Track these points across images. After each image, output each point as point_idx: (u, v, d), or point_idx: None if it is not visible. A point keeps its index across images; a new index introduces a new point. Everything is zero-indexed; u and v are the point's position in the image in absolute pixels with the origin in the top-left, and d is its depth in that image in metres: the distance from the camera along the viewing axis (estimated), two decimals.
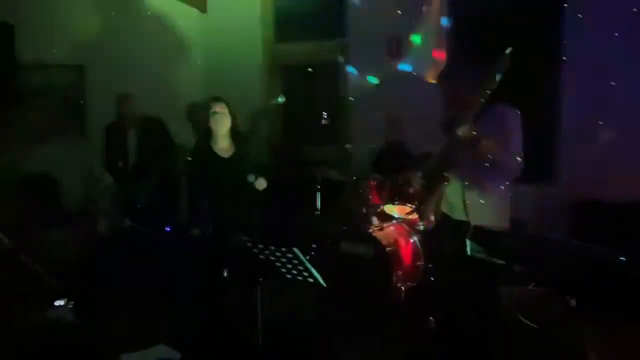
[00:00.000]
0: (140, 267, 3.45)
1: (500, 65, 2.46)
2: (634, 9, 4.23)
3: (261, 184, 3.16)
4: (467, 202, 2.74)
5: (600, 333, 1.92)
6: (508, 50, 2.46)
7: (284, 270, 2.17)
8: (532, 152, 5.06)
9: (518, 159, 2.64)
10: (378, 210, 4.18)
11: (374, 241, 3.86)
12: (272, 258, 2.13)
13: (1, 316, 3.03)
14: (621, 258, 1.93)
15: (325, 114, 5.44)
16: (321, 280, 2.12)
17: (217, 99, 3.30)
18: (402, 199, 4.04)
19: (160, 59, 5.86)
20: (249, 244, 2.15)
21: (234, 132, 3.31)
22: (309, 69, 5.92)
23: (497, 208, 2.77)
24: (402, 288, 3.84)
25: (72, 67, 5.45)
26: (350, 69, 5.63)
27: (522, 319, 2.11)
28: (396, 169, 4.34)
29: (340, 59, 5.76)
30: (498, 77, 2.47)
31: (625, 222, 4.07)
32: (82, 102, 5.53)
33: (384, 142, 5.00)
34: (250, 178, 3.11)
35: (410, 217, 4.05)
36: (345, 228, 4.19)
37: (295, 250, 2.03)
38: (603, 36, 4.36)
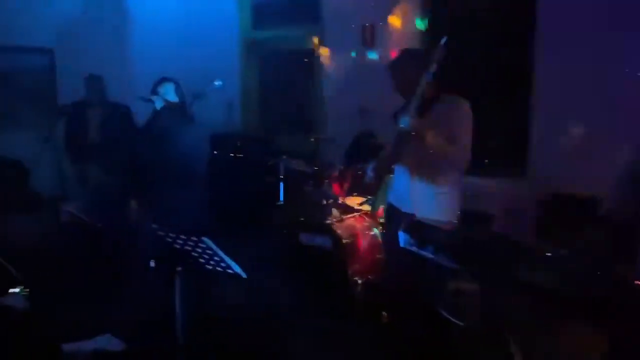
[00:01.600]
0: (84, 258, 3.37)
1: (436, 55, 2.43)
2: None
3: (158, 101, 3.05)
4: (412, 193, 2.68)
5: (530, 330, 1.82)
6: (443, 40, 2.43)
7: (202, 260, 2.08)
8: (502, 145, 5.01)
9: (466, 150, 2.59)
10: (339, 202, 4.09)
11: (332, 233, 3.78)
12: (188, 248, 2.05)
13: None
14: (562, 252, 1.85)
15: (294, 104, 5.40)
16: (240, 271, 2.03)
17: (165, 80, 3.19)
18: (363, 190, 3.95)
19: (129, 42, 5.75)
20: (162, 233, 2.06)
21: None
22: (288, 57, 5.83)
23: (443, 199, 2.72)
24: (359, 282, 3.75)
25: (43, 50, 5.38)
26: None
27: (447, 315, 2.02)
28: (362, 160, 4.26)
29: (315, 46, 5.66)
30: (434, 67, 2.42)
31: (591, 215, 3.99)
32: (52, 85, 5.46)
33: (356, 132, 4.92)
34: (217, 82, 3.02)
35: (363, 208, 3.97)
36: (304, 219, 4.09)
37: (206, 239, 1.94)
38: (574, 35, 4.25)
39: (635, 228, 2.03)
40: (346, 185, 4.04)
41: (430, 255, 2.04)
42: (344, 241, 3.72)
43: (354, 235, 3.85)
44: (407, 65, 2.73)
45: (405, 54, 2.85)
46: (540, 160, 4.68)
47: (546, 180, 4.55)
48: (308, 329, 3.36)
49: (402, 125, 2.54)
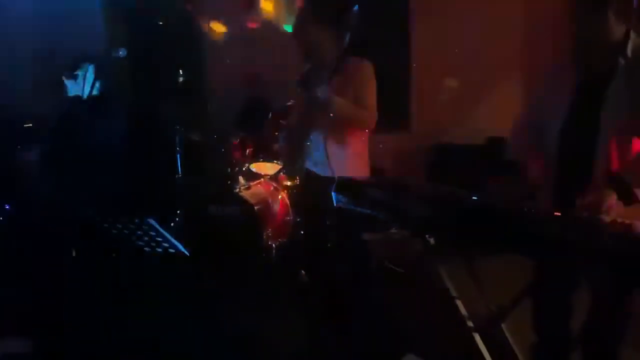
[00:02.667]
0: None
1: (350, 21, 2.48)
2: None
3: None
4: (328, 156, 2.76)
5: (459, 269, 2.02)
6: (355, 8, 2.49)
7: (141, 243, 1.98)
8: (386, 102, 5.31)
9: (373, 110, 2.71)
10: (244, 169, 4.06)
11: (242, 201, 3.76)
12: (126, 232, 1.93)
13: None
14: (474, 197, 2.03)
15: (181, 72, 5.11)
16: (183, 249, 1.97)
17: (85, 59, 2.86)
18: (268, 156, 3.96)
19: None
20: (98, 218, 1.92)
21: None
22: (159, 22, 5.45)
23: (356, 159, 2.84)
24: (273, 245, 3.81)
25: None
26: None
27: (388, 264, 2.17)
28: (259, 125, 4.24)
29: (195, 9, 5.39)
30: (347, 35, 2.48)
31: (473, 163, 4.45)
32: None
33: (245, 97, 4.85)
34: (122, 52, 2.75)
35: (278, 174, 3.99)
36: (210, 190, 4.01)
37: (151, 221, 1.85)
38: None
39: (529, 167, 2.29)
40: (249, 152, 4.01)
41: (367, 211, 2.15)
42: (255, 208, 3.73)
43: (262, 201, 3.86)
44: (308, 27, 2.68)
45: (312, 10, 2.76)
46: (422, 114, 5.08)
47: (428, 133, 4.97)
48: (229, 300, 3.35)
49: (319, 95, 2.57)
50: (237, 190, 3.85)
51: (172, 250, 1.99)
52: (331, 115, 2.61)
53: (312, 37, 2.64)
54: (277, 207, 3.96)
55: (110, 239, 1.99)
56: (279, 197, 4.04)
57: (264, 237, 3.74)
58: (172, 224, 4.05)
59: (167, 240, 1.93)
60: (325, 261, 2.97)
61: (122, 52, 2.61)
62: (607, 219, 1.75)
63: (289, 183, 4.01)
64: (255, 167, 4.03)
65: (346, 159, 2.78)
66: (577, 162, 2.00)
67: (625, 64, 1.89)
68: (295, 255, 3.73)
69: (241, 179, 4.02)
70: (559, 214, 1.79)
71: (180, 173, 4.26)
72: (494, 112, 4.57)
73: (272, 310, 3.22)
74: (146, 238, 1.95)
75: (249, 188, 3.96)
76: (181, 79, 4.46)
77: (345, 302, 2.90)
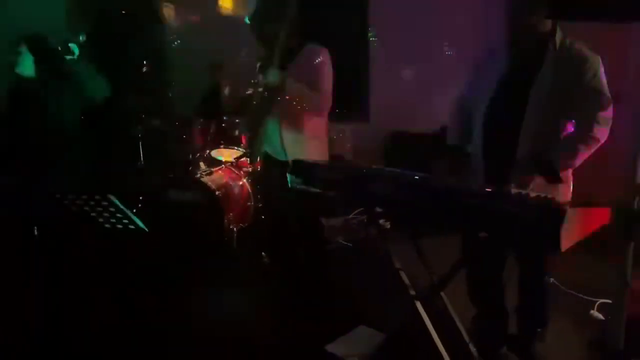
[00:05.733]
0: None
1: (291, 6, 2.60)
2: None
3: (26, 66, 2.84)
4: (284, 141, 2.86)
5: (404, 244, 2.18)
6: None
7: (101, 219, 2.06)
8: (346, 92, 5.45)
9: (326, 95, 2.82)
10: (205, 155, 4.13)
11: (203, 186, 3.84)
12: (86, 208, 2.01)
13: None
14: (415, 177, 2.19)
15: (145, 62, 5.11)
16: (142, 226, 2.07)
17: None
18: (229, 142, 4.04)
19: None
20: (58, 195, 1.99)
21: None
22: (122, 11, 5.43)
23: (313, 144, 2.95)
24: (235, 230, 3.91)
25: None
26: None
27: (339, 240, 2.31)
28: (219, 112, 4.31)
29: None
30: (289, 24, 2.64)
31: (426, 149, 4.65)
32: None
33: (206, 85, 4.91)
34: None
35: (239, 159, 4.08)
36: (171, 176, 4.07)
37: (111, 197, 1.93)
38: None
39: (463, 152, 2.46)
40: (210, 138, 4.09)
41: (318, 190, 2.29)
42: (216, 193, 3.82)
43: (224, 186, 3.96)
44: (266, 17, 2.80)
45: (263, 5, 2.89)
46: (379, 103, 5.25)
47: (386, 122, 5.15)
48: (190, 286, 3.43)
49: (270, 79, 2.69)
50: (198, 175, 3.93)
51: (132, 227, 2.08)
52: (286, 97, 2.72)
53: (265, 30, 2.78)
54: (238, 192, 4.06)
55: (71, 215, 2.06)
56: (240, 182, 4.14)
57: (225, 221, 3.83)
58: (133, 210, 4.09)
59: (127, 217, 2.02)
60: (284, 242, 3.09)
61: (81, 37, 2.65)
62: (532, 194, 1.93)
63: (250, 169, 4.11)
64: (216, 153, 4.11)
65: (302, 143, 2.88)
66: (502, 141, 2.18)
67: (552, 54, 2.10)
68: (256, 239, 3.84)
69: (202, 165, 4.10)
70: (490, 190, 1.98)
71: (141, 159, 4.33)
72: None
73: (233, 293, 3.32)
74: (106, 214, 2.03)
75: (210, 174, 4.04)
76: (144, 68, 4.49)
77: (301, 281, 3.03)
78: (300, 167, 2.39)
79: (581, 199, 1.79)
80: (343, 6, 5.18)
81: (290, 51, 2.82)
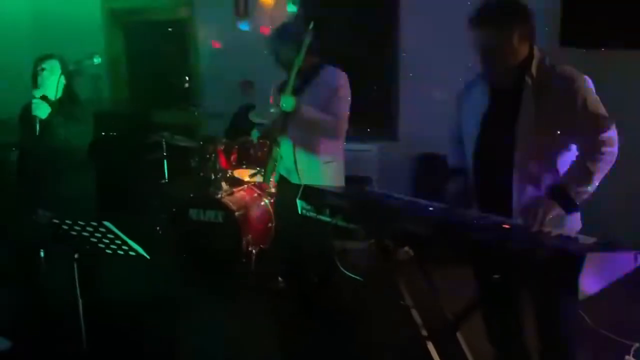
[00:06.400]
0: None
1: (306, 38, 2.62)
2: None
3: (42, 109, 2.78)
4: (298, 164, 2.80)
5: (416, 278, 2.06)
6: (311, 26, 2.57)
7: (101, 245, 2.03)
8: (374, 110, 5.35)
9: (341, 119, 2.75)
10: (227, 175, 4.11)
11: (223, 206, 3.81)
12: (86, 234, 1.98)
13: None
14: (430, 208, 2.08)
15: (187, 77, 5.20)
16: (143, 252, 2.02)
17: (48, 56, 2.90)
18: (250, 163, 4.01)
19: None
20: (56, 221, 1.97)
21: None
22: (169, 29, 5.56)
23: (327, 168, 2.87)
24: (253, 251, 3.85)
25: None
26: None
27: (346, 272, 2.20)
28: (246, 133, 4.29)
29: (186, 16, 5.49)
30: (304, 50, 2.63)
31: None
32: None
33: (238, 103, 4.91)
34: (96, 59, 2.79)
35: (254, 179, 4.04)
36: (193, 195, 4.06)
37: (107, 223, 1.90)
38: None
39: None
40: (233, 158, 4.06)
41: (327, 219, 2.19)
42: (236, 213, 3.78)
43: (244, 207, 3.92)
44: (281, 42, 2.82)
45: (279, 30, 2.91)
46: (408, 124, 5.11)
47: (415, 142, 4.99)
48: (205, 305, 3.39)
49: (283, 105, 2.65)
50: (219, 195, 3.90)
51: (132, 253, 2.04)
52: (299, 120, 2.67)
53: (280, 54, 2.79)
54: (258, 214, 4.01)
55: (72, 240, 2.04)
56: (262, 203, 4.09)
57: (244, 242, 3.78)
58: (157, 228, 4.12)
59: (126, 243, 1.98)
60: (296, 268, 3.01)
61: (96, 60, 2.67)
62: (553, 232, 1.78)
63: (273, 190, 4.06)
64: (237, 173, 4.08)
65: (316, 166, 2.83)
66: (493, 172, 2.05)
67: (532, 81, 1.95)
68: (273, 262, 3.77)
69: (224, 185, 4.07)
70: (508, 225, 1.84)
71: (166, 178, 4.35)
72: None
73: (247, 315, 3.26)
74: (106, 240, 2.00)
75: (231, 194, 4.02)
76: (186, 84, 4.53)
77: (311, 309, 2.94)
78: (310, 193, 2.30)
79: (605, 242, 1.62)
80: (372, 22, 5.11)
81: (307, 73, 2.78)
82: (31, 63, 2.84)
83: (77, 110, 2.78)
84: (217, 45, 5.39)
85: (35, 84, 2.76)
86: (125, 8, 5.67)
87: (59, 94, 2.79)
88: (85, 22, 5.42)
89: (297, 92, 2.73)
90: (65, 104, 2.77)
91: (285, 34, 2.79)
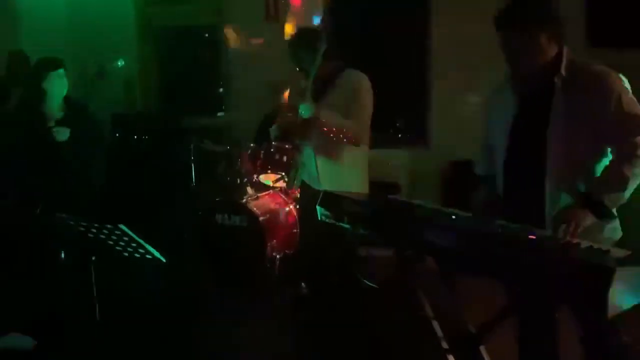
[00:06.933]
0: None
1: (321, 44, 2.62)
2: None
3: (62, 133, 2.83)
4: (319, 170, 2.76)
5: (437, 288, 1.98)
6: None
7: (118, 248, 2.03)
8: (404, 115, 5.25)
9: (362, 125, 2.70)
10: (253, 180, 4.09)
11: (248, 211, 3.79)
12: (102, 236, 1.98)
13: None
14: (452, 216, 2.00)
15: (220, 82, 5.24)
16: (159, 256, 2.01)
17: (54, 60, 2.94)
18: (275, 168, 3.98)
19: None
20: (72, 222, 1.98)
21: (67, 97, 2.96)
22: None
23: (349, 174, 2.81)
24: (277, 256, 3.82)
25: None
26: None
27: (362, 279, 2.14)
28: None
29: (217, 22, 5.54)
30: (319, 56, 2.61)
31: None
32: None
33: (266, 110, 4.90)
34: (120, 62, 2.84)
35: (279, 184, 4.01)
36: (218, 199, 4.07)
37: (122, 226, 1.89)
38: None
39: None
40: (259, 163, 4.04)
41: (347, 226, 2.13)
42: (260, 218, 3.75)
43: (269, 212, 3.89)
44: (297, 48, 2.80)
45: (297, 35, 2.91)
46: (440, 130, 4.99)
47: (446, 149, 4.87)
48: (229, 309, 3.38)
49: (302, 112, 2.61)
50: (245, 200, 3.89)
51: (148, 257, 2.03)
52: (319, 127, 2.63)
53: (298, 60, 2.78)
54: (283, 219, 3.98)
55: (90, 242, 2.05)
56: (287, 208, 4.05)
57: (268, 248, 3.75)
58: (184, 234, 4.15)
59: (142, 246, 1.97)
60: (317, 274, 2.96)
61: (120, 63, 2.70)
62: (583, 244, 1.67)
63: (298, 195, 4.02)
64: (263, 178, 4.06)
65: (338, 172, 2.78)
66: (523, 180, 1.95)
67: (561, 82, 1.85)
68: (298, 268, 3.72)
69: (250, 190, 4.06)
70: (534, 236, 1.73)
71: (193, 182, 4.37)
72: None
73: (270, 320, 3.22)
74: (122, 243, 1.99)
75: (257, 199, 3.99)
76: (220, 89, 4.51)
77: (333, 315, 2.88)
78: (330, 200, 2.25)
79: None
80: (404, 24, 5.02)
81: (328, 76, 2.74)
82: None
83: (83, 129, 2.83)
84: (248, 49, 5.40)
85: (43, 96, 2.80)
86: (158, 13, 5.76)
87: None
88: (117, 26, 5.52)
89: (318, 95, 2.69)
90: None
91: (300, 40, 2.79)
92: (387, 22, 5.03)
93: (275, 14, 5.27)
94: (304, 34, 2.83)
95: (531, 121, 1.94)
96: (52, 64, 2.86)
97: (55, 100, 2.88)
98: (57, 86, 2.85)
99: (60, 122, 2.83)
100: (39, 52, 3.96)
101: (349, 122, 2.64)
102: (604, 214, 1.77)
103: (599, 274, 1.40)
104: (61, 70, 2.87)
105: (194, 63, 5.64)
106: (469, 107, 4.75)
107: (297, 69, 2.81)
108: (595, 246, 1.64)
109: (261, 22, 5.27)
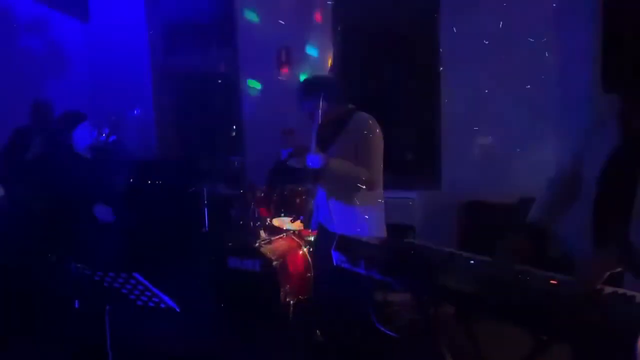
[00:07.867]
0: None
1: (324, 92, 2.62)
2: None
3: None
4: (332, 213, 2.74)
5: (458, 335, 1.92)
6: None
7: (132, 296, 2.01)
8: (416, 156, 5.26)
9: (374, 170, 2.68)
10: (267, 223, 4.09)
11: (261, 255, 3.76)
12: (117, 285, 1.97)
13: None
14: (471, 261, 1.96)
15: (234, 127, 5.32)
16: (173, 305, 1.98)
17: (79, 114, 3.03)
18: (290, 211, 3.98)
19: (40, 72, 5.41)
20: (87, 271, 1.98)
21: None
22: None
23: (367, 218, 2.78)
24: (291, 302, 3.76)
25: None
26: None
27: (381, 327, 2.08)
28: (288, 181, 4.29)
29: (232, 69, 5.68)
30: (322, 104, 2.60)
31: (506, 221, 4.27)
32: None
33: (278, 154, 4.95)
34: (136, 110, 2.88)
35: (295, 226, 4.00)
36: (231, 244, 4.05)
37: (137, 275, 1.88)
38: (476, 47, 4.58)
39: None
40: (272, 207, 4.05)
41: (362, 271, 2.10)
42: (274, 263, 3.72)
43: (283, 256, 3.86)
44: (302, 97, 2.80)
45: (303, 83, 2.93)
46: (452, 171, 4.98)
47: (459, 190, 4.84)
48: (242, 356, 3.31)
49: (309, 164, 2.60)
50: (257, 244, 3.87)
51: (162, 305, 2.00)
52: (329, 175, 2.62)
53: (303, 107, 2.77)
54: (297, 263, 3.94)
55: (105, 291, 2.03)
56: (300, 252, 4.02)
57: (282, 293, 3.70)
58: (193, 275, 4.11)
59: (156, 295, 1.95)
60: (334, 321, 2.89)
61: (136, 112, 2.76)
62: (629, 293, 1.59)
63: (312, 238, 3.99)
64: (276, 221, 4.05)
65: (352, 215, 2.75)
66: (615, 213, 1.78)
67: None
68: (312, 314, 3.65)
69: (263, 233, 4.04)
70: (556, 281, 1.68)
71: (206, 226, 4.38)
72: (527, 170, 4.40)
73: None
74: (136, 292, 1.98)
75: (270, 242, 3.97)
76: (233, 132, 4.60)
77: None
78: (345, 244, 2.22)
79: None
80: (413, 66, 5.11)
81: (337, 121, 2.74)
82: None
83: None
84: (260, 96, 5.51)
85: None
86: (174, 63, 5.93)
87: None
88: (133, 75, 5.69)
89: (327, 141, 2.69)
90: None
91: (304, 89, 2.79)
92: (395, 62, 5.12)
93: (287, 62, 5.40)
94: (308, 82, 2.85)
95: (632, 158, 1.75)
96: (77, 117, 2.94)
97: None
98: (82, 138, 2.92)
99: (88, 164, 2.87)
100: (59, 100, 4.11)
101: (361, 169, 2.62)
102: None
103: (622, 322, 1.35)
104: (86, 123, 2.94)
105: (208, 109, 5.76)
106: (479, 147, 4.77)
107: (308, 117, 2.83)
108: (621, 291, 1.59)
109: (275, 69, 5.40)
